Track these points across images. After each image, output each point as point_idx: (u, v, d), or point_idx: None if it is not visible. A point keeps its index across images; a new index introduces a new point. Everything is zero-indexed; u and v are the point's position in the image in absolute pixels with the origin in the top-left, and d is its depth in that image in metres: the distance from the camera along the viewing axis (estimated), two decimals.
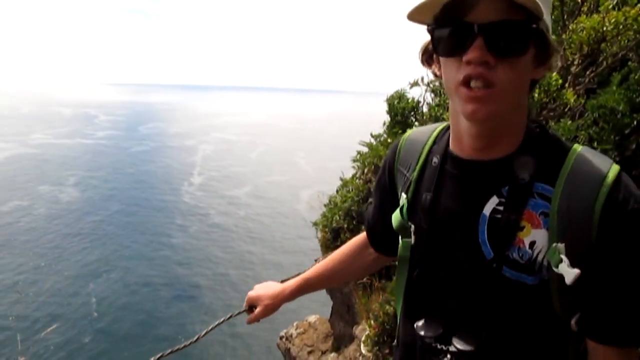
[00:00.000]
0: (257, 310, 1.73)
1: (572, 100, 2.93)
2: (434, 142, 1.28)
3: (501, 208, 1.07)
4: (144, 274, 23.39)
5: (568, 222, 0.98)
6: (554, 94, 2.96)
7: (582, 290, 1.00)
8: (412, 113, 5.14)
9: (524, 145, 1.08)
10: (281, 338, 6.04)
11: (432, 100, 5.04)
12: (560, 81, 2.94)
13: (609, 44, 3.04)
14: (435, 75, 1.15)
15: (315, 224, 5.56)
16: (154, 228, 30.42)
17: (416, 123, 5.12)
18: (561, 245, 0.98)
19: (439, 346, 1.12)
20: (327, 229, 5.38)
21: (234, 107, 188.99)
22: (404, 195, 1.30)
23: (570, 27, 3.12)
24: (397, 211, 1.31)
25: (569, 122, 3.47)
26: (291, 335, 5.87)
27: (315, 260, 6.20)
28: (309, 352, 5.51)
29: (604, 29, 2.85)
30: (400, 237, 1.31)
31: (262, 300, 1.73)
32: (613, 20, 2.80)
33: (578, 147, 1.06)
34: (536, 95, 3.01)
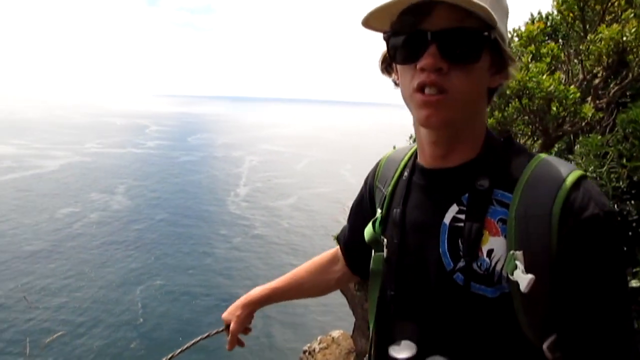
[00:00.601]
0: (232, 326, 1.67)
1: (589, 115, 2.80)
2: (410, 158, 1.28)
3: (461, 216, 1.04)
4: (186, 282, 23.67)
5: (525, 229, 0.95)
6: (572, 108, 2.83)
7: (552, 304, 0.95)
8: None
9: (484, 153, 1.07)
10: (304, 352, 5.97)
11: None
12: (578, 94, 2.81)
13: (634, 55, 2.90)
14: (395, 83, 1.14)
15: (336, 238, 5.49)
16: (197, 237, 30.79)
17: None
18: (519, 253, 0.94)
19: None
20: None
21: (280, 118, 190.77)
22: (379, 210, 1.30)
23: (589, 38, 2.99)
24: (370, 225, 1.30)
25: (599, 137, 3.34)
26: (314, 350, 5.79)
27: None
28: None
29: (624, 39, 2.72)
30: (373, 251, 1.30)
31: (233, 314, 1.69)
32: (633, 30, 2.66)
33: (542, 156, 1.04)
34: (554, 109, 2.90)
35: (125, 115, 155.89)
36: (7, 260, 25.19)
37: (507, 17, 1.06)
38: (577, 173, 0.96)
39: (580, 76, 3.17)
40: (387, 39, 1.06)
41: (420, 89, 0.99)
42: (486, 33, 0.96)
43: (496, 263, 0.98)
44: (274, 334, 18.92)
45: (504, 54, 1.01)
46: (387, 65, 1.15)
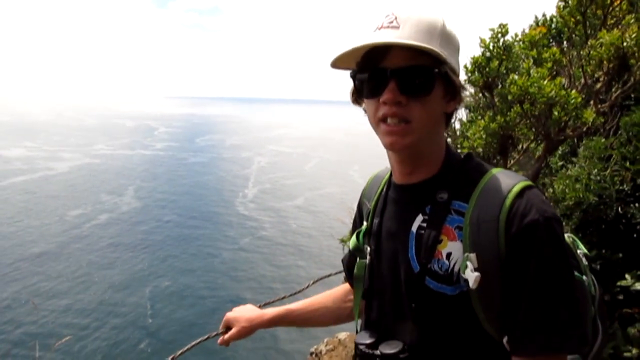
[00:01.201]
0: (232, 331, 1.77)
1: (590, 119, 2.82)
2: (390, 177, 1.41)
3: (425, 225, 1.19)
4: (193, 283, 23.74)
5: (477, 233, 1.08)
6: (573, 113, 2.85)
7: (502, 302, 1.07)
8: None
9: (443, 169, 1.23)
10: (311, 354, 6.01)
11: (466, 116, 4.97)
12: (579, 99, 2.83)
13: (636, 60, 2.91)
14: (365, 111, 1.29)
15: (342, 240, 5.53)
16: (205, 238, 30.88)
17: (448, 139, 5.04)
18: (472, 255, 1.07)
19: (369, 351, 1.24)
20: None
21: (289, 119, 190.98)
22: (365, 223, 1.45)
23: (589, 43, 3.00)
24: (354, 235, 1.46)
25: (602, 140, 3.35)
26: (320, 352, 5.84)
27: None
28: None
29: (624, 44, 2.74)
30: (357, 259, 1.43)
31: (239, 322, 1.78)
32: (634, 35, 2.68)
33: (496, 170, 1.18)
34: (555, 113, 2.92)
35: (135, 117, 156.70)
36: (15, 261, 25.40)
37: (458, 52, 1.21)
38: (523, 184, 1.10)
39: (582, 81, 3.18)
40: (353, 77, 1.23)
41: (384, 119, 1.15)
42: (437, 69, 1.11)
43: (454, 265, 1.12)
44: (280, 335, 18.96)
45: (454, 84, 1.15)
46: (357, 97, 1.29)
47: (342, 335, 6.04)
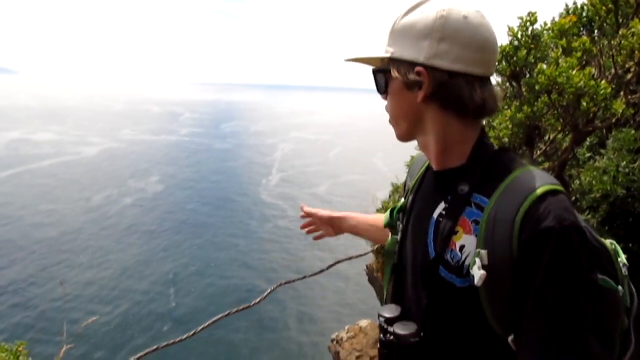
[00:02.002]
0: (346, 225, 1.96)
1: (620, 111, 2.75)
2: None
3: (445, 213, 1.20)
4: (216, 269, 23.99)
5: (493, 231, 1.07)
6: (602, 104, 2.78)
7: (510, 304, 1.06)
8: None
9: (470, 160, 1.21)
10: (332, 341, 6.04)
11: None
12: (609, 90, 2.76)
13: None
14: None
15: None
16: (229, 224, 31.15)
17: None
18: (484, 252, 1.06)
19: (386, 327, 1.28)
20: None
21: (314, 107, 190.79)
22: (403, 200, 1.50)
23: (621, 32, 2.93)
24: (388, 211, 1.53)
25: (632, 131, 3.28)
26: (342, 339, 5.86)
27: (367, 267, 6.15)
28: (358, 357, 5.48)
29: None
30: (390, 234, 1.49)
31: (349, 220, 1.96)
32: None
33: (527, 168, 1.14)
34: (584, 104, 2.85)
35: (161, 103, 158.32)
36: (44, 243, 25.96)
37: (422, 38, 1.17)
38: (547, 187, 1.06)
39: (613, 71, 3.11)
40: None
41: None
42: (374, 70, 1.28)
43: (466, 258, 1.12)
44: (302, 322, 19.08)
45: (398, 76, 1.20)
46: None
47: (364, 322, 6.06)
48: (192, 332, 1.90)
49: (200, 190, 39.63)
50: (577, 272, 1.01)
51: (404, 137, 1.30)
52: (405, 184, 1.62)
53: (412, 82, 1.18)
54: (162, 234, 28.55)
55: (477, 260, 1.06)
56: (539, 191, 1.05)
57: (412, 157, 1.66)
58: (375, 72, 1.29)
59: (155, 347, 2.08)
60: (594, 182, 3.24)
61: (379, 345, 1.33)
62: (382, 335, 1.30)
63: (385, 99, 1.30)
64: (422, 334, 1.21)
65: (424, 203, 1.31)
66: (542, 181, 1.08)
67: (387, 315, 1.29)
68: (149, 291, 21.21)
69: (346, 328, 6.07)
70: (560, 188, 1.07)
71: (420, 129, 1.26)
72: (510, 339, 1.08)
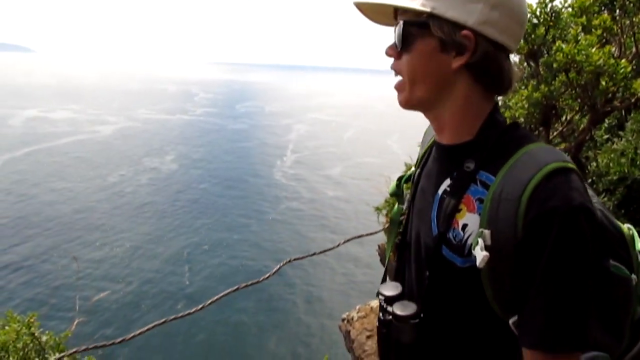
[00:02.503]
0: None
1: (639, 90, 2.68)
2: None
3: (449, 190, 1.16)
4: (226, 248, 24.16)
5: (497, 210, 1.01)
6: (622, 83, 2.71)
7: (512, 286, 1.02)
8: None
9: (479, 136, 1.15)
10: (343, 320, 6.05)
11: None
12: (629, 69, 2.69)
13: None
14: None
15: (377, 209, 5.49)
16: (243, 204, 31.28)
17: None
18: (487, 232, 1.01)
19: (385, 306, 1.24)
20: (389, 216, 5.32)
21: (330, 87, 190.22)
22: (413, 169, 1.45)
23: None
24: (395, 180, 1.47)
25: None
26: (352, 318, 5.86)
27: (379, 247, 6.13)
28: (368, 337, 5.48)
29: None
30: (396, 203, 1.45)
31: None
32: None
33: (535, 145, 1.08)
34: (603, 83, 2.79)
35: (176, 82, 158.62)
36: (58, 220, 26.29)
37: (473, 0, 1.08)
38: (556, 165, 0.99)
39: (634, 50, 3.03)
40: None
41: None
42: (403, 21, 1.12)
43: (468, 237, 1.08)
44: (314, 301, 19.19)
45: (439, 36, 1.09)
46: None
47: (374, 302, 6.05)
48: (200, 306, 1.87)
49: (214, 170, 39.78)
50: (582, 255, 0.96)
51: (415, 102, 1.17)
52: (419, 153, 1.55)
53: (454, 44, 1.08)
54: (175, 213, 28.76)
55: (480, 240, 1.01)
56: (548, 168, 0.98)
57: (428, 127, 1.48)
58: (405, 24, 1.12)
59: (162, 320, 2.07)
60: (610, 164, 3.17)
61: (376, 324, 1.29)
62: (380, 314, 1.26)
63: (398, 57, 1.16)
64: (421, 315, 1.17)
65: (430, 178, 1.26)
66: (552, 158, 1.01)
67: (387, 294, 1.25)
68: (161, 269, 21.38)
69: (357, 307, 6.06)
70: (571, 165, 1.01)
71: (438, 98, 1.15)
72: (512, 321, 1.04)
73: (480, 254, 0.99)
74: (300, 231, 27.32)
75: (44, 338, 3.55)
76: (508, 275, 1.01)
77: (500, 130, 1.14)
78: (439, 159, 1.25)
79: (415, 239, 1.26)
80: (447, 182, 1.17)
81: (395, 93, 1.19)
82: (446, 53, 1.09)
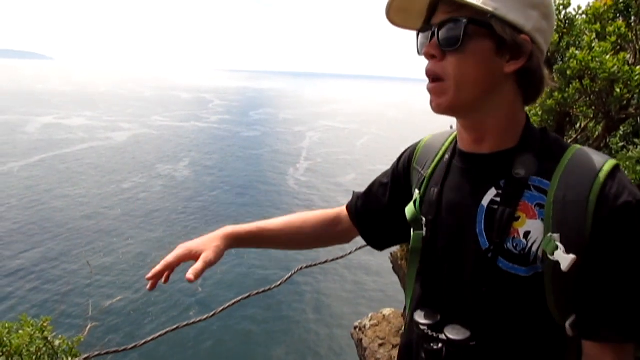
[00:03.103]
0: (207, 254, 1.42)
1: None
2: (451, 143, 1.36)
3: (498, 199, 1.13)
4: (240, 256, 24.17)
5: (563, 213, 1.02)
6: (637, 90, 2.69)
7: (576, 284, 1.03)
8: None
9: (522, 142, 1.15)
10: (355, 328, 6.03)
11: None
12: None
13: None
14: None
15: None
16: (255, 212, 31.23)
17: None
18: (556, 235, 1.02)
19: (432, 334, 1.17)
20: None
21: (343, 95, 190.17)
22: (416, 191, 1.38)
23: None
24: (411, 204, 1.38)
25: None
26: (365, 327, 5.85)
27: (391, 254, 6.11)
28: (380, 345, 5.46)
29: None
30: (412, 230, 1.37)
31: (209, 244, 1.48)
32: None
33: (577, 146, 1.12)
34: (617, 90, 2.77)
35: (191, 89, 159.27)
36: (70, 226, 26.47)
37: (532, 7, 1.08)
38: (612, 162, 1.04)
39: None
40: (417, 34, 1.21)
41: (428, 76, 1.14)
42: (465, 20, 1.05)
43: (532, 244, 1.07)
44: (324, 310, 19.13)
45: (504, 37, 1.06)
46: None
47: (387, 310, 6.04)
48: (211, 313, 1.85)
49: (226, 177, 39.88)
50: None
51: (460, 107, 1.13)
52: (407, 174, 1.51)
53: (512, 47, 1.07)
54: (187, 219, 28.83)
55: (559, 244, 1.01)
56: (607, 166, 1.03)
57: (419, 144, 1.51)
58: (465, 21, 1.06)
59: (175, 326, 2.06)
60: (626, 172, 3.15)
61: (423, 355, 1.18)
62: (426, 345, 1.17)
63: (442, 57, 1.10)
64: (478, 336, 1.14)
65: (462, 192, 1.22)
66: (602, 157, 1.07)
67: (430, 322, 1.19)
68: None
69: (369, 315, 6.05)
70: (617, 162, 1.06)
71: (484, 103, 1.13)
72: (568, 322, 1.07)
73: (566, 258, 0.99)
74: None
75: (56, 342, 3.57)
76: (573, 276, 1.02)
77: (539, 135, 1.17)
78: (471, 169, 1.22)
79: (451, 259, 1.23)
80: (493, 191, 1.15)
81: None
82: (500, 56, 1.08)
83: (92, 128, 59.48)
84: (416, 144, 1.52)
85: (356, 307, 18.48)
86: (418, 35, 1.20)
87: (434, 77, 1.12)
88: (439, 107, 1.13)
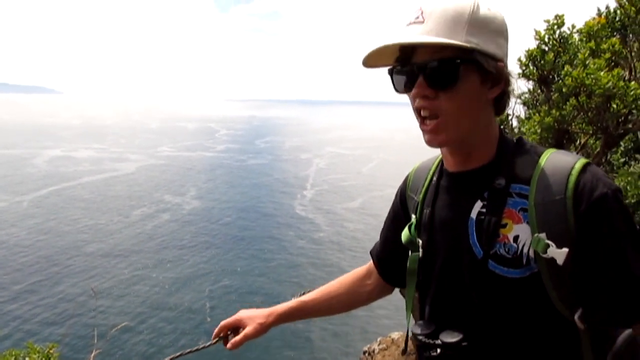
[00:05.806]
0: (248, 329, 1.63)
1: None
2: (437, 166, 1.43)
3: (485, 210, 1.19)
4: (251, 286, 24.07)
5: (545, 214, 1.09)
6: (633, 105, 2.72)
7: (575, 278, 1.09)
8: (502, 127, 4.94)
9: (498, 154, 1.22)
10: (364, 353, 5.99)
11: (524, 113, 4.83)
12: (639, 91, 2.69)
13: None
14: None
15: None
16: (263, 240, 31.22)
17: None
18: (542, 235, 1.08)
19: (429, 341, 1.24)
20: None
21: (349, 121, 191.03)
22: (413, 216, 1.44)
23: None
24: (406, 228, 1.43)
25: None
26: (373, 351, 5.81)
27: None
28: None
29: None
30: (409, 252, 1.41)
31: (253, 320, 1.65)
32: None
33: (551, 150, 1.19)
34: (614, 106, 2.79)
35: (197, 119, 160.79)
36: (79, 258, 26.55)
37: (499, 34, 1.18)
38: (584, 160, 1.12)
39: None
40: (390, 73, 1.25)
41: (418, 112, 1.19)
42: (458, 60, 1.10)
43: (523, 246, 1.13)
44: (332, 334, 18.95)
45: (489, 70, 1.13)
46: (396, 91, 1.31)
47: (395, 334, 6.00)
48: (214, 340, 1.83)
49: (234, 205, 39.93)
50: (635, 226, 1.09)
51: (450, 141, 1.20)
52: (402, 202, 1.55)
53: (494, 76, 1.15)
54: (195, 249, 28.83)
55: (549, 242, 1.07)
56: (578, 164, 1.11)
57: (409, 174, 1.58)
58: (446, 62, 1.11)
59: (179, 354, 2.05)
60: (628, 187, 3.16)
61: None
62: (425, 353, 1.24)
63: (434, 96, 1.14)
64: (470, 337, 1.20)
65: (451, 209, 1.29)
66: (573, 157, 1.14)
67: (426, 331, 1.26)
68: (179, 304, 21.36)
69: (378, 340, 6.02)
70: (587, 159, 1.14)
71: (472, 130, 1.20)
72: (577, 315, 1.12)
73: (560, 252, 1.06)
74: (320, 266, 27.11)
75: None
76: (567, 270, 1.08)
77: (514, 145, 1.24)
78: (457, 187, 1.29)
79: (448, 273, 1.28)
80: (479, 204, 1.21)
81: (414, 123, 1.21)
82: (484, 86, 1.16)
83: (100, 160, 60.02)
84: (407, 175, 1.58)
85: (364, 334, 18.31)
86: (392, 73, 1.24)
87: (432, 114, 1.16)
88: (440, 143, 1.20)
